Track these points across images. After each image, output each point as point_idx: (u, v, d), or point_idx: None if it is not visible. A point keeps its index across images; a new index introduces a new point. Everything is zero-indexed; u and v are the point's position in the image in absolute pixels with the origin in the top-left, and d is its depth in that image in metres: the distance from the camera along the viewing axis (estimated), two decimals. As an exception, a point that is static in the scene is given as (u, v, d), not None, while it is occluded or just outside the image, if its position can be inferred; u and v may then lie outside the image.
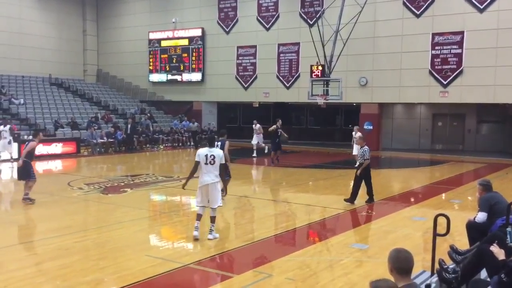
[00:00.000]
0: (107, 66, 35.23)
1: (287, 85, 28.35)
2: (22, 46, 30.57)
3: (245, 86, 29.80)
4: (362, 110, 26.83)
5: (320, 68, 24.03)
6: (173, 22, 31.73)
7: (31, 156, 11.46)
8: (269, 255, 7.91)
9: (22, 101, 26.56)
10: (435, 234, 5.84)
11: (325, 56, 23.94)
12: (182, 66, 31.87)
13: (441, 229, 6.00)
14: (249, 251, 8.11)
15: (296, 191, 14.37)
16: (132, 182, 15.05)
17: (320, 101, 23.95)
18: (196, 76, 31.40)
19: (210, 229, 8.54)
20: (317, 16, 25.24)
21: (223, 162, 8.57)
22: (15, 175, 11.74)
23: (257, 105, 30.01)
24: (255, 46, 29.22)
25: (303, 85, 26.66)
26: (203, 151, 8.50)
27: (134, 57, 33.43)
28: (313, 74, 24.19)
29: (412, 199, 13.45)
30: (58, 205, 11.74)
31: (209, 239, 8.37)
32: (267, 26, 28.74)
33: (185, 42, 31.56)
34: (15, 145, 19.57)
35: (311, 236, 9.58)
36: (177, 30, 31.78)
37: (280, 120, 20.19)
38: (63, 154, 22.11)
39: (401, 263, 3.49)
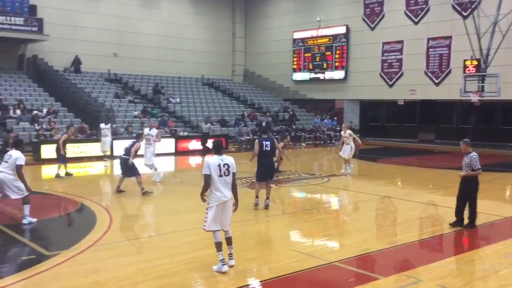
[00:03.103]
0: (253, 66, 36.73)
1: (436, 82, 26.81)
2: (178, 49, 33.21)
3: (390, 83, 28.86)
4: (524, 108, 24.31)
5: (474, 62, 22.34)
6: (318, 21, 31.92)
7: (135, 155, 12.50)
8: (415, 259, 7.62)
9: (178, 100, 28.96)
10: None
11: (480, 50, 22.17)
12: (325, 64, 31.93)
13: None
14: (394, 254, 7.88)
15: (445, 194, 13.53)
16: (276, 178, 15.47)
17: (474, 98, 22.26)
18: (338, 74, 31.22)
19: (231, 254, 6.93)
20: (473, 7, 23.46)
21: (235, 171, 6.99)
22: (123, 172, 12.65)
23: (402, 103, 28.87)
24: (401, 42, 28.14)
25: (454, 81, 25.00)
26: (214, 160, 6.73)
27: (278, 56, 34.34)
28: (467, 69, 22.57)
29: None
30: (209, 197, 12.57)
31: (232, 265, 6.88)
32: (416, 20, 27.46)
33: (328, 40, 31.57)
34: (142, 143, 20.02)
35: (462, 243, 8.99)
36: (321, 28, 31.91)
37: (288, 137, 17.96)
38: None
39: None
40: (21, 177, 9.21)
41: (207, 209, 6.73)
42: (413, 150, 25.47)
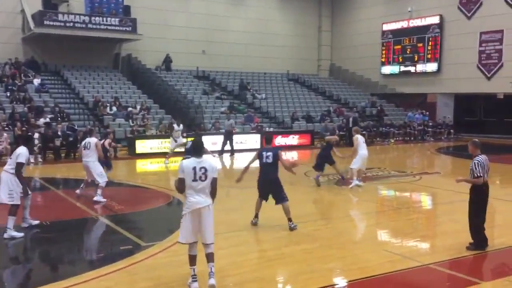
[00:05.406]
0: (339, 60, 36.08)
1: (541, 73, 24.77)
2: (264, 45, 33.32)
3: (488, 75, 27.09)
4: None
5: None
6: (409, 11, 30.70)
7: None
8: (521, 265, 7.05)
9: (264, 95, 29.17)
10: None
11: None
12: (416, 56, 30.65)
13: None
14: (495, 257, 7.38)
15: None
16: (364, 175, 15.06)
17: None
18: (431, 67, 29.83)
19: (211, 272, 5.86)
20: None
21: (216, 176, 5.97)
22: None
23: (502, 97, 26.99)
24: (501, 31, 26.30)
25: (562, 72, 22.95)
26: (189, 162, 5.91)
27: (366, 49, 33.44)
28: None
29: None
30: (297, 193, 12.45)
31: (212, 284, 5.76)
32: (517, 7, 25.54)
33: (420, 31, 30.22)
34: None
35: None
36: (412, 19, 30.65)
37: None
38: (299, 146, 23.55)
39: None
40: (19, 177, 8.16)
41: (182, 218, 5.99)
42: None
